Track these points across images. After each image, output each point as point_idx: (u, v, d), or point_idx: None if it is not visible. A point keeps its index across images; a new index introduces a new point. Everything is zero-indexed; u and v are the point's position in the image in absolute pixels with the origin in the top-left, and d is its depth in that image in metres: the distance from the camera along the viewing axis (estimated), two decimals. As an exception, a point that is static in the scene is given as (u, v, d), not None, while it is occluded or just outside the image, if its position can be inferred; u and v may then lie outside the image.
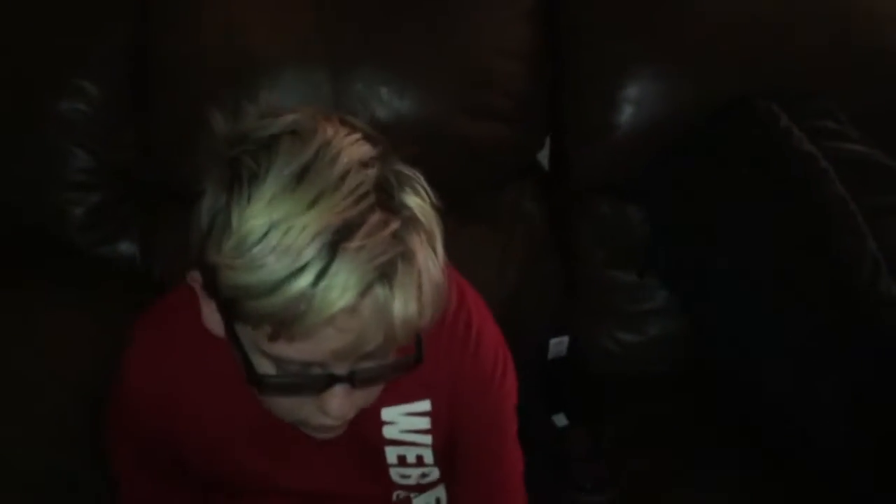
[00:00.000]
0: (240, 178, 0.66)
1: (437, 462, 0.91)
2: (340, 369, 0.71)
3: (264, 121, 0.69)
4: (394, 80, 1.28)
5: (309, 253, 0.64)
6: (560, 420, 1.22)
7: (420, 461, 0.90)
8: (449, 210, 1.31)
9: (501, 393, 0.89)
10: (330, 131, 0.68)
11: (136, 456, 0.93)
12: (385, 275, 0.66)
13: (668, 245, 1.29)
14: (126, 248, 1.30)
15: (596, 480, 1.15)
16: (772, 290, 1.16)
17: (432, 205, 0.70)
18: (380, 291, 0.66)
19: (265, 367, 0.72)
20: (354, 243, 0.64)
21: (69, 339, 1.11)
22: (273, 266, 0.64)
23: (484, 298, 0.91)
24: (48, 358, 1.07)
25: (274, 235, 0.64)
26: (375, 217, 0.65)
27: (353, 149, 0.67)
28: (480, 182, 1.38)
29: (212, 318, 0.74)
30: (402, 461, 0.90)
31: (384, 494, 0.93)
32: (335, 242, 0.64)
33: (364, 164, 0.67)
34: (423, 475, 0.92)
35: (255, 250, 0.65)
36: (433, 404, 0.87)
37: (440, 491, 0.97)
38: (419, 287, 0.67)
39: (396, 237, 0.66)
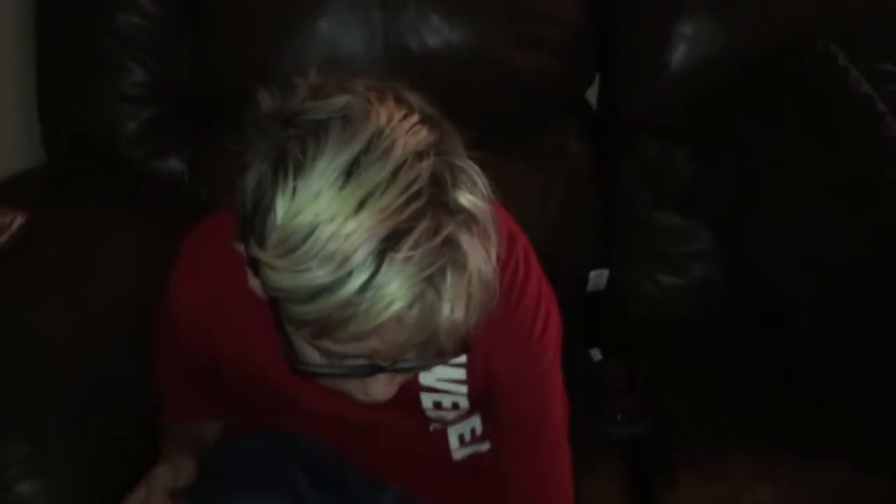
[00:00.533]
0: (285, 167, 0.62)
1: (473, 406, 0.91)
2: (384, 362, 0.70)
3: (314, 103, 0.65)
4: (444, 7, 1.28)
5: (355, 261, 0.60)
6: (595, 355, 1.22)
7: (455, 406, 0.91)
8: (493, 144, 1.34)
9: (542, 345, 0.86)
10: (383, 116, 0.64)
11: (180, 371, 0.95)
12: (433, 284, 0.62)
13: (716, 186, 1.28)
14: (175, 164, 1.33)
15: (628, 413, 1.15)
16: (821, 232, 1.15)
17: (486, 198, 0.65)
18: (427, 301, 0.63)
19: (310, 354, 0.71)
20: (403, 253, 0.61)
21: (118, 247, 1.14)
22: (316, 272, 0.61)
23: (525, 233, 0.90)
24: (97, 264, 1.10)
25: (319, 238, 0.61)
26: (426, 222, 0.61)
27: (407, 138, 0.63)
28: (527, 117, 1.38)
29: (257, 286, 0.71)
30: (437, 406, 0.91)
31: (420, 425, 0.94)
32: (383, 251, 0.61)
33: (419, 156, 0.62)
34: (459, 415, 0.93)
35: (299, 252, 0.62)
36: (469, 356, 0.85)
37: (475, 420, 0.98)
38: (468, 293, 0.64)
39: (447, 243, 0.62)
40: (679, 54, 1.31)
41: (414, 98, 0.67)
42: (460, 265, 0.63)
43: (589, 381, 1.16)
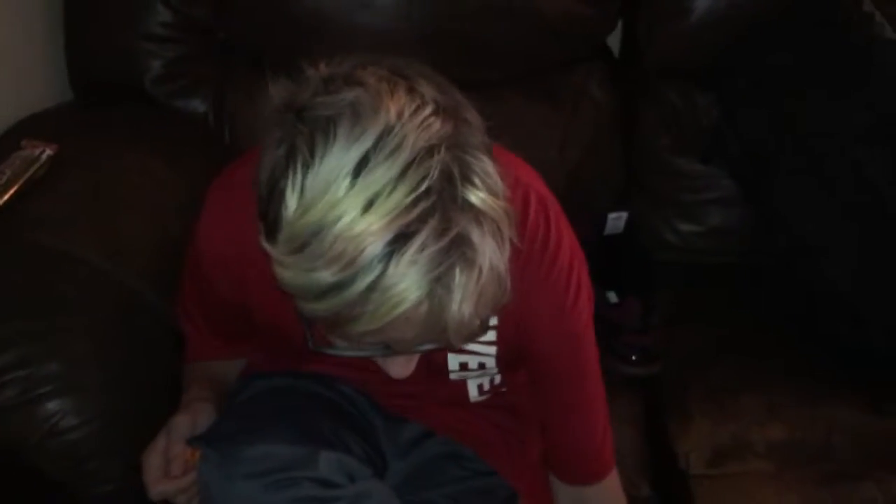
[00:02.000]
0: (295, 162, 0.62)
1: (500, 367, 0.92)
2: (398, 349, 0.71)
3: (323, 98, 0.63)
4: (469, -52, 1.28)
5: (362, 262, 0.60)
6: (611, 297, 1.23)
7: (482, 367, 0.91)
8: (516, 87, 1.37)
9: (577, 307, 0.86)
10: (393, 112, 0.62)
11: (204, 312, 0.96)
12: (442, 284, 0.62)
13: (739, 131, 1.28)
14: (198, 104, 1.34)
15: (643, 352, 1.16)
16: (846, 178, 1.15)
17: (496, 193, 0.64)
18: (436, 300, 0.62)
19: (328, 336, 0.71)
20: (410, 254, 0.60)
21: (143, 181, 1.15)
22: (323, 272, 0.61)
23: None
24: (123, 196, 1.12)
25: (326, 238, 0.60)
26: (434, 222, 0.60)
27: (418, 133, 0.61)
28: (550, 61, 1.38)
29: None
30: (463, 367, 0.91)
31: (441, 376, 0.95)
32: (390, 253, 0.60)
33: (429, 152, 0.61)
34: (484, 374, 0.94)
35: (307, 251, 0.61)
36: (500, 318, 0.86)
37: (496, 374, 0.98)
38: (478, 291, 0.63)
39: (456, 243, 0.61)
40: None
41: (428, 87, 0.65)
42: (469, 263, 0.62)
43: (604, 321, 1.17)
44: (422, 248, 0.60)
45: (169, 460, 0.86)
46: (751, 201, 1.32)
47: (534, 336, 0.86)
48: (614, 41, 1.46)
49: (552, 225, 0.83)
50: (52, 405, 0.91)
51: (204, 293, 0.93)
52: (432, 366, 0.89)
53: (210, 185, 0.88)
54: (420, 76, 0.66)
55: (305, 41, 1.29)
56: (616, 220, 1.23)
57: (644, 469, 1.11)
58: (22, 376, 0.90)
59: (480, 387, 0.98)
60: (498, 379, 0.99)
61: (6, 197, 1.01)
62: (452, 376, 0.93)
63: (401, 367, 0.74)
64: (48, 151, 1.08)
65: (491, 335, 0.87)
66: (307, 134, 0.62)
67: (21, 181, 1.03)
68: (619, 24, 1.42)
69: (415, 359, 0.74)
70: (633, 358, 1.16)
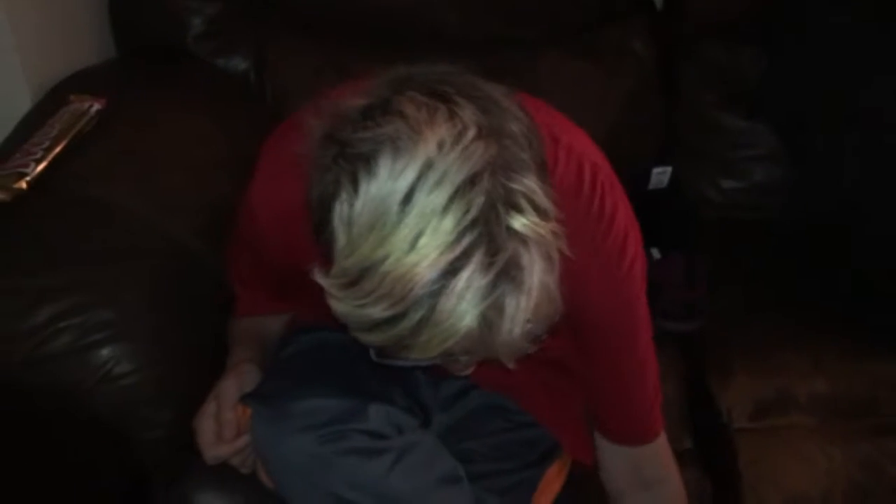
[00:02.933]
0: (340, 195, 0.63)
1: (549, 334, 0.92)
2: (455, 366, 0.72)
3: (362, 134, 0.63)
4: None
5: (411, 299, 0.61)
6: (654, 254, 1.22)
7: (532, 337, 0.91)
8: (555, 42, 1.36)
9: (631, 276, 0.86)
10: (433, 142, 0.61)
11: (254, 265, 0.96)
12: (493, 310, 0.62)
13: (785, 86, 1.25)
14: (239, 62, 1.35)
15: (686, 308, 1.16)
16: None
17: (544, 213, 0.63)
18: (486, 327, 0.62)
19: None
20: (458, 290, 0.60)
21: (187, 136, 1.16)
22: (373, 307, 0.62)
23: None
24: (169, 150, 1.13)
25: (375, 276, 0.61)
26: (480, 255, 0.60)
27: (460, 163, 0.61)
28: (591, 15, 1.36)
29: None
30: None
31: None
32: (439, 289, 0.60)
33: (471, 182, 0.61)
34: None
35: (357, 287, 0.62)
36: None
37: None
38: (529, 312, 0.63)
39: (504, 271, 0.61)
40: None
41: (468, 108, 0.64)
42: (518, 287, 0.62)
43: (647, 277, 1.17)
44: (470, 283, 0.60)
45: (221, 424, 0.88)
46: (794, 158, 1.30)
47: (585, 305, 0.85)
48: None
49: (607, 196, 0.83)
50: (105, 352, 0.93)
51: (256, 252, 0.93)
52: None
53: (262, 145, 0.88)
54: (460, 94, 0.65)
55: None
56: (660, 175, 1.21)
57: (686, 422, 1.11)
58: (76, 324, 0.92)
59: None
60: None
61: (57, 150, 1.02)
62: None
63: (462, 367, 0.76)
64: (96, 105, 1.09)
65: None
66: (350, 171, 0.62)
67: (70, 135, 1.05)
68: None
69: (474, 360, 0.75)
70: (677, 313, 1.16)
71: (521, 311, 0.63)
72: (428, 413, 0.97)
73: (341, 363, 0.91)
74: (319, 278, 0.65)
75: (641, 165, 1.25)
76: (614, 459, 0.97)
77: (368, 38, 1.33)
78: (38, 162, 1.00)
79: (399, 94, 0.65)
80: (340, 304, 0.64)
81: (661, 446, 0.97)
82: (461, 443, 0.95)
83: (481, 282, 0.61)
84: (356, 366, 0.90)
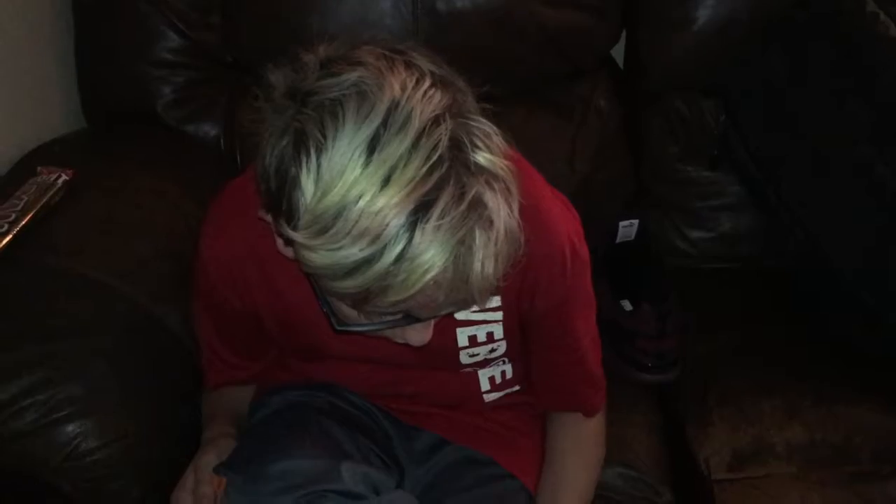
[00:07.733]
0: (307, 147, 0.64)
1: (506, 336, 0.93)
2: (421, 315, 0.73)
3: (327, 81, 0.66)
4: (471, -38, 1.29)
5: (387, 235, 0.63)
6: (626, 305, 1.23)
7: (490, 337, 0.93)
8: (521, 99, 1.38)
9: (574, 271, 0.88)
10: (397, 87, 0.64)
11: (217, 326, 0.97)
12: (465, 246, 0.65)
13: (744, 135, 1.28)
14: (209, 128, 1.35)
15: (659, 359, 1.16)
16: (850, 178, 1.15)
17: (503, 152, 0.67)
18: (460, 262, 0.65)
19: (349, 314, 0.74)
20: (432, 222, 0.63)
21: (157, 204, 1.16)
22: (350, 249, 0.64)
23: (555, 187, 0.92)
24: (137, 219, 1.13)
25: (349, 217, 0.63)
26: (450, 188, 0.63)
27: (423, 105, 0.64)
28: (554, 73, 1.39)
29: (289, 253, 0.73)
30: (472, 341, 0.93)
31: (451, 365, 0.96)
32: (413, 222, 0.63)
33: (436, 122, 0.64)
34: (492, 350, 0.95)
35: (331, 232, 0.64)
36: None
37: (505, 365, 1.00)
38: (497, 249, 0.66)
39: (473, 205, 0.64)
40: (706, 9, 1.30)
41: (423, 60, 0.68)
42: (488, 223, 0.65)
43: (619, 329, 1.17)
44: (443, 215, 0.63)
45: (198, 498, 0.87)
46: (760, 206, 1.32)
47: (534, 292, 0.88)
48: (618, 51, 1.47)
49: (545, 195, 0.88)
50: (72, 428, 0.91)
51: (217, 311, 0.94)
52: (440, 339, 0.89)
53: (211, 200, 0.91)
54: (413, 50, 0.69)
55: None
56: (627, 228, 1.23)
57: (665, 475, 1.11)
58: (41, 400, 0.91)
59: (492, 380, 1.00)
60: (509, 372, 1.00)
61: (24, 222, 1.02)
62: (463, 359, 0.94)
63: (420, 334, 0.77)
64: (64, 177, 1.09)
65: (496, 301, 0.89)
66: (316, 118, 0.64)
67: (38, 206, 1.05)
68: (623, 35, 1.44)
69: (432, 323, 0.77)
70: (650, 365, 1.16)
71: (492, 245, 0.66)
72: (402, 468, 0.97)
73: (312, 423, 0.92)
74: (289, 233, 0.66)
75: (609, 218, 1.26)
76: (555, 432, 1.01)
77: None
78: (4, 235, 1.00)
79: (357, 49, 0.68)
80: (315, 254, 0.66)
81: (598, 424, 1.02)
82: (440, 501, 0.94)
83: (453, 214, 0.63)
84: (327, 425, 0.92)
